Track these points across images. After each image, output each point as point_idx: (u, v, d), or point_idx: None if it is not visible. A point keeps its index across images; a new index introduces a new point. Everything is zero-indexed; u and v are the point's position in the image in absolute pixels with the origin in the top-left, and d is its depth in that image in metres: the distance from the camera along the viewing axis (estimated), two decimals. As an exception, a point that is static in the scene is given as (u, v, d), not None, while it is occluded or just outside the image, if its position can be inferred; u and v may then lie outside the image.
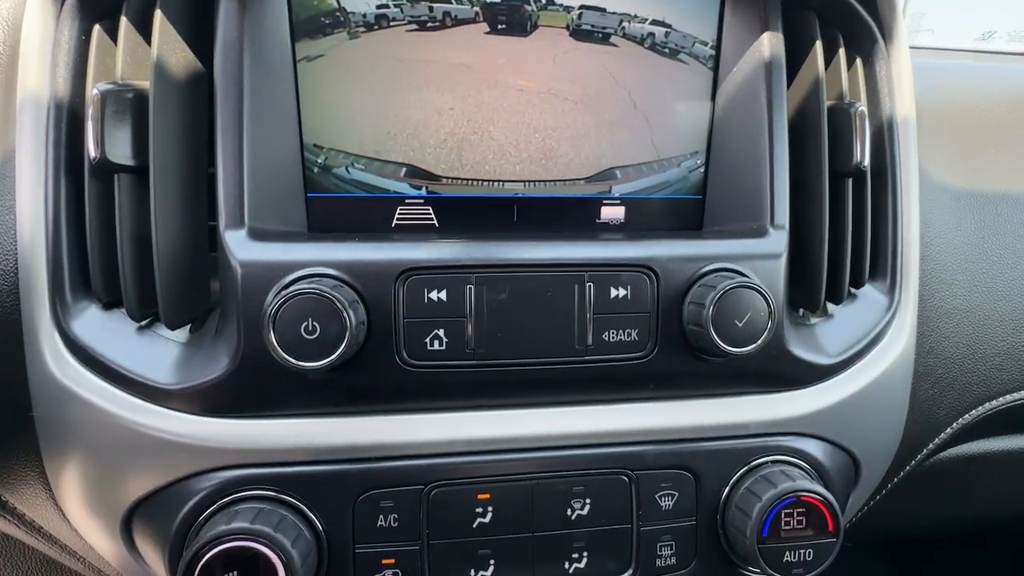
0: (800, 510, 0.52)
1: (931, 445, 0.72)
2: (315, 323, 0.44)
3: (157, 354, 0.50)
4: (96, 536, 0.53)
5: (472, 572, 0.52)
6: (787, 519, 0.52)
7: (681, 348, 0.52)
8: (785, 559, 0.52)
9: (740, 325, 0.49)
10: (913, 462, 0.71)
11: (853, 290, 0.63)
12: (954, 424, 0.72)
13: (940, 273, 0.69)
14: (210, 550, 0.45)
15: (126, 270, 0.49)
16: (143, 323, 0.52)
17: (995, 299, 0.71)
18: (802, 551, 0.52)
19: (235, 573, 0.46)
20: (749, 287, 0.49)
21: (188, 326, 0.53)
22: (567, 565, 0.53)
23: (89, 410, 0.49)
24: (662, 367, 0.52)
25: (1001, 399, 0.73)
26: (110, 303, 0.51)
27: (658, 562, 0.54)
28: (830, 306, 0.63)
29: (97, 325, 0.50)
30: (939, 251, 0.69)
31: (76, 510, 0.53)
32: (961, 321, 0.70)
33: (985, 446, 0.83)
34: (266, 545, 0.45)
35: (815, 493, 0.52)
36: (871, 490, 0.66)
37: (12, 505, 0.56)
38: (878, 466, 0.64)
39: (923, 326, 0.66)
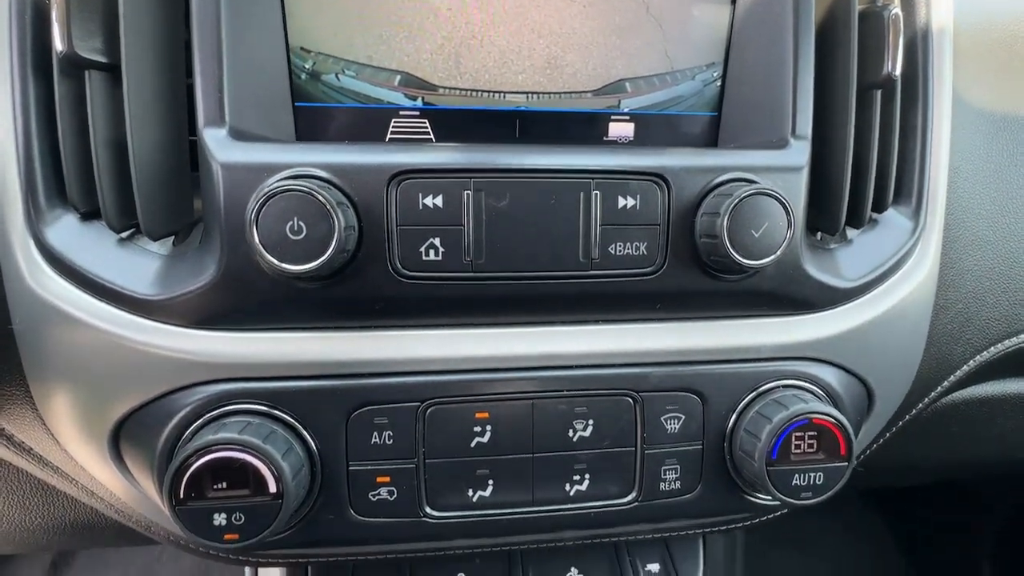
0: (811, 433, 0.50)
1: (946, 383, 0.69)
2: (301, 223, 0.41)
3: (139, 265, 0.48)
4: (85, 455, 0.52)
5: (470, 492, 0.51)
6: (797, 442, 0.50)
7: (692, 264, 0.49)
8: (794, 482, 0.50)
9: (757, 235, 0.46)
10: (927, 399, 0.69)
11: (875, 215, 0.60)
12: (971, 361, 0.69)
13: (967, 201, 0.65)
14: (196, 460, 0.43)
15: (102, 176, 0.46)
16: (123, 235, 0.49)
17: (1023, 232, 0.67)
18: (812, 475, 0.50)
19: (224, 485, 0.44)
20: (768, 194, 0.46)
21: (171, 239, 0.50)
22: (568, 487, 0.52)
23: (69, 323, 0.47)
24: (671, 284, 0.50)
25: (1021, 336, 0.70)
26: (88, 214, 0.49)
27: (662, 486, 0.53)
28: (850, 232, 0.59)
29: (74, 235, 0.48)
30: (967, 177, 0.65)
31: (64, 429, 0.51)
32: (986, 253, 0.66)
33: (1001, 388, 0.81)
34: (255, 456, 0.43)
35: (828, 415, 0.50)
36: (882, 424, 0.64)
37: (1, 427, 0.55)
38: (892, 399, 0.62)
39: (946, 256, 0.63)
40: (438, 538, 0.53)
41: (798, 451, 0.50)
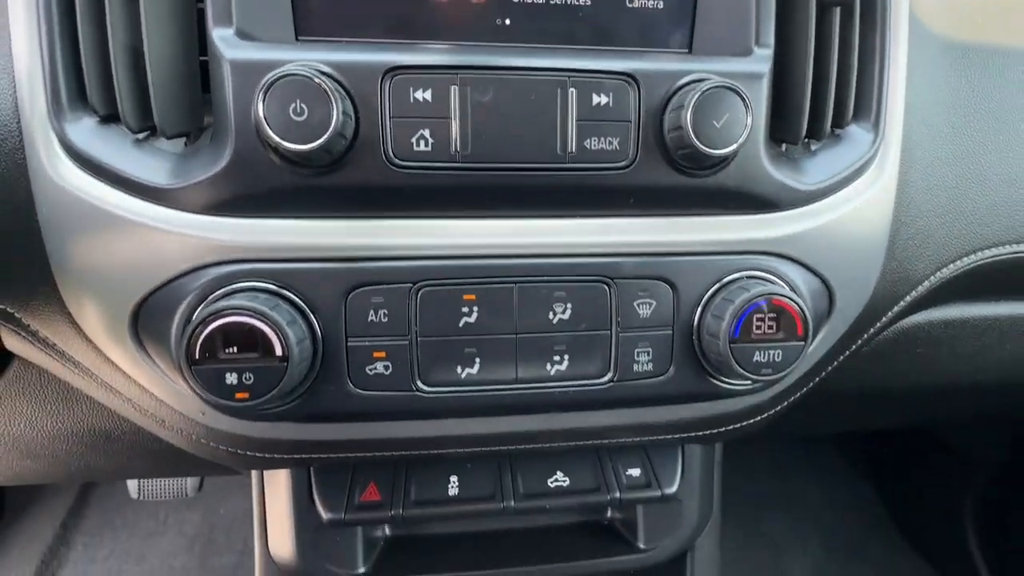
0: (771, 315, 0.55)
1: (908, 298, 0.74)
2: (303, 104, 0.46)
3: (155, 160, 0.53)
4: (107, 341, 0.56)
5: (459, 369, 0.55)
6: (759, 323, 0.55)
7: (662, 159, 0.54)
8: (755, 359, 0.55)
9: (718, 126, 0.50)
10: (890, 314, 0.74)
11: (837, 131, 0.64)
12: (932, 277, 0.74)
13: (926, 123, 0.69)
14: (209, 324, 0.48)
15: (120, 79, 0.51)
16: (140, 136, 0.53)
17: (981, 153, 0.72)
18: (772, 352, 0.55)
19: (234, 350, 0.49)
20: (728, 87, 0.50)
21: (184, 139, 0.55)
22: (549, 367, 0.56)
23: (91, 213, 0.52)
24: (643, 178, 0.54)
25: (981, 254, 0.74)
26: (106, 118, 0.53)
27: (636, 367, 0.57)
28: (813, 145, 0.64)
29: (95, 134, 0.52)
30: (926, 100, 0.70)
31: (88, 317, 0.56)
32: (945, 172, 0.71)
33: (962, 312, 0.85)
34: (262, 321, 0.48)
35: (786, 297, 0.54)
36: (844, 327, 0.68)
37: (26, 323, 0.60)
38: (851, 303, 0.67)
39: (904, 173, 0.68)
40: (430, 415, 0.57)
41: (759, 331, 0.55)
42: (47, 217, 0.52)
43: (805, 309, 0.55)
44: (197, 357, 0.48)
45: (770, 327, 0.55)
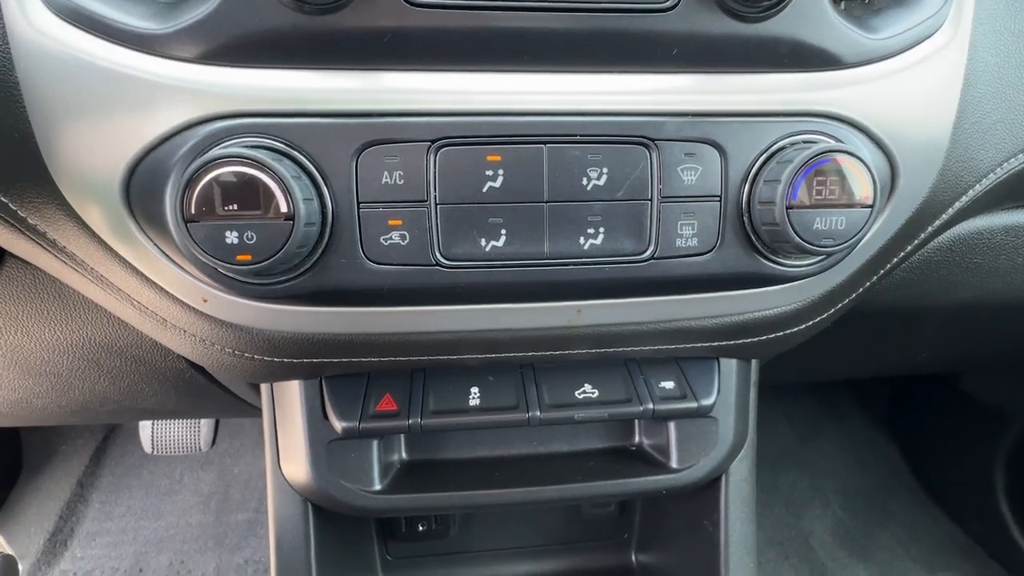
0: (834, 177, 0.49)
1: (972, 192, 0.67)
2: None
3: (140, 4, 0.47)
4: (98, 217, 0.51)
5: (483, 241, 0.50)
6: (819, 185, 0.48)
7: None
8: (815, 226, 0.49)
9: None
10: (951, 211, 0.67)
11: None
12: (998, 169, 0.67)
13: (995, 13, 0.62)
14: (206, 173, 0.43)
15: None
16: None
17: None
18: (834, 219, 0.49)
19: (235, 207, 0.44)
20: None
21: None
22: (582, 240, 0.51)
23: (71, 63, 0.46)
24: (687, 23, 0.48)
25: None
26: None
27: (678, 242, 0.52)
28: (876, 3, 0.57)
29: None
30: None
31: (74, 185, 0.51)
32: (1020, 48, 0.63)
33: (1026, 217, 0.78)
34: (265, 171, 0.43)
35: (851, 153, 0.48)
36: (901, 220, 0.62)
37: (12, 207, 0.55)
38: (914, 186, 0.60)
39: (975, 43, 0.60)
40: (451, 296, 0.52)
41: (819, 196, 0.48)
42: (25, 73, 0.47)
43: (871, 169, 0.48)
44: (194, 211, 0.43)
45: (832, 191, 0.49)
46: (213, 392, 0.91)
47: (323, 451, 0.70)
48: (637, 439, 0.82)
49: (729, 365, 0.75)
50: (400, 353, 0.62)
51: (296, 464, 0.72)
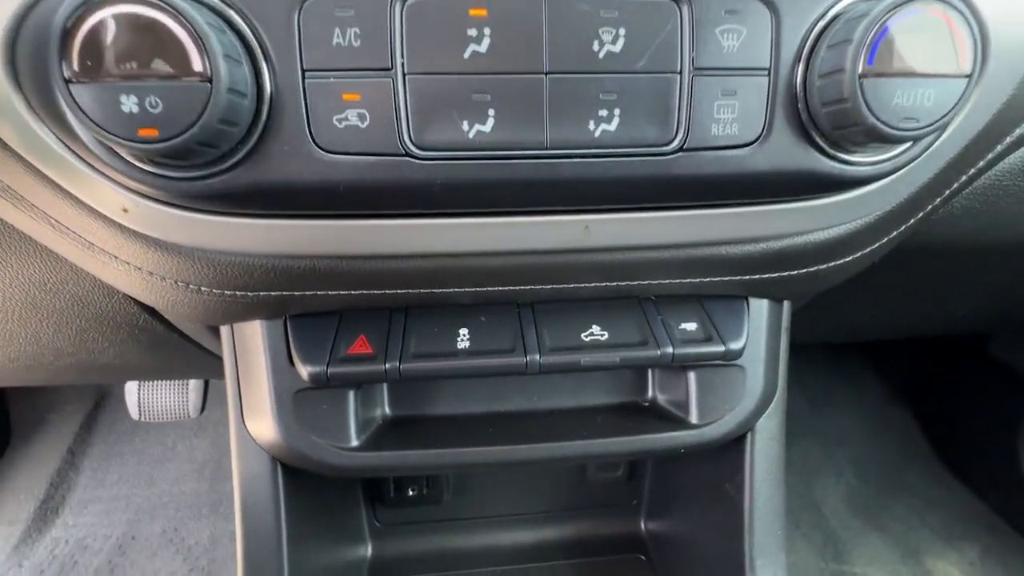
0: (923, 38, 0.37)
1: None
2: None
3: None
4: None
5: (465, 125, 0.39)
6: (903, 47, 0.37)
7: None
8: (895, 101, 0.37)
9: None
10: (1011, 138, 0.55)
11: None
12: None
13: None
14: (88, 16, 0.32)
15: None
16: None
17: None
18: (919, 92, 0.37)
19: (134, 65, 0.33)
20: None
21: None
22: (592, 125, 0.40)
23: None
24: None
25: None
26: None
27: (714, 129, 0.41)
28: None
29: None
30: None
31: None
32: None
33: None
34: (170, 15, 0.32)
35: (949, 3, 0.37)
36: (979, 127, 0.50)
37: None
38: (1001, 81, 0.48)
39: None
40: (426, 198, 0.42)
41: (902, 61, 0.37)
42: None
43: (975, 25, 0.37)
44: (77, 67, 0.33)
45: (918, 56, 0.37)
46: (176, 344, 0.82)
47: (290, 402, 0.61)
48: (650, 394, 0.72)
49: (759, 306, 0.64)
50: (372, 285, 0.52)
51: (261, 418, 0.63)
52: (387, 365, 0.55)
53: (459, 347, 0.58)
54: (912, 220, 0.56)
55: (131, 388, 1.76)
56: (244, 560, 0.65)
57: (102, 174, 0.41)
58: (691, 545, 0.85)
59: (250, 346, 0.61)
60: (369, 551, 0.94)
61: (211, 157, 0.37)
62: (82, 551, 1.83)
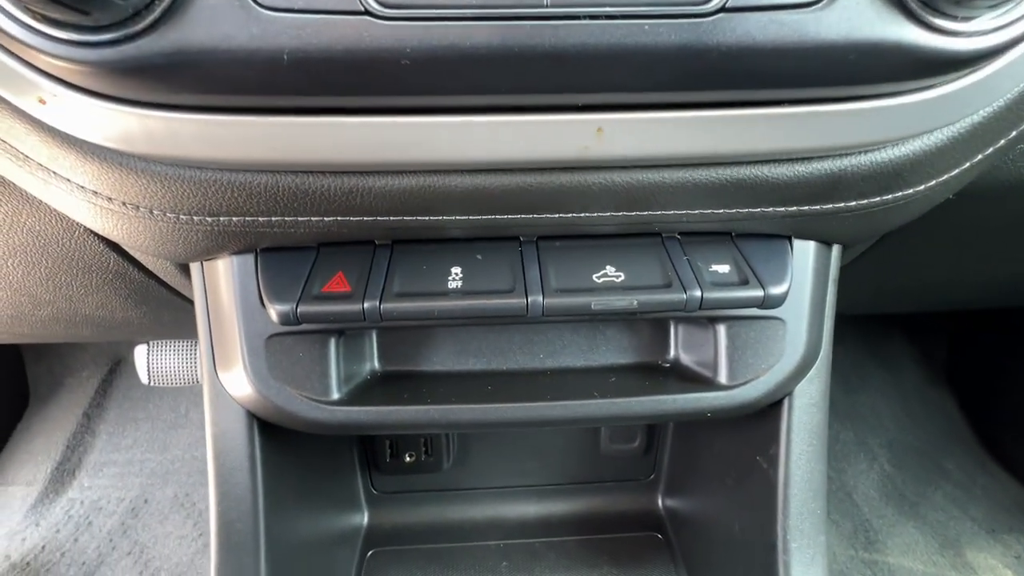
0: None
1: None
2: None
3: None
4: None
5: None
6: None
7: None
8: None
9: None
10: None
11: None
12: None
13: None
14: None
15: None
16: None
17: None
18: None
19: None
20: None
21: None
22: None
23: None
24: None
25: None
26: None
27: None
28: None
29: None
30: None
31: None
32: None
33: None
34: None
35: None
36: None
37: None
38: None
39: None
40: (396, 78, 0.33)
41: None
42: None
43: None
44: None
45: None
46: (156, 293, 0.76)
47: (261, 348, 0.54)
48: (672, 354, 0.64)
49: (804, 249, 0.55)
50: (343, 209, 0.44)
51: (232, 367, 0.56)
52: (365, 304, 0.48)
53: (450, 287, 0.50)
54: (1014, 132, 0.45)
55: (140, 351, 1.75)
56: (217, 525, 0.59)
57: (5, 49, 0.34)
58: (714, 524, 0.77)
59: (219, 285, 0.55)
60: (365, 520, 0.89)
61: (120, 12, 0.29)
62: (96, 512, 1.86)
